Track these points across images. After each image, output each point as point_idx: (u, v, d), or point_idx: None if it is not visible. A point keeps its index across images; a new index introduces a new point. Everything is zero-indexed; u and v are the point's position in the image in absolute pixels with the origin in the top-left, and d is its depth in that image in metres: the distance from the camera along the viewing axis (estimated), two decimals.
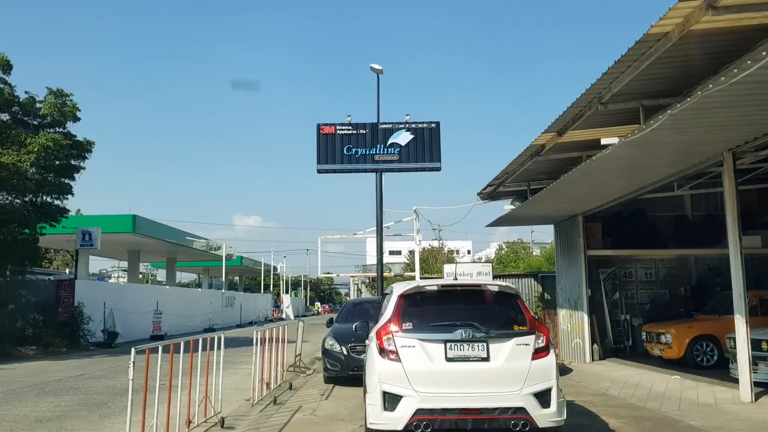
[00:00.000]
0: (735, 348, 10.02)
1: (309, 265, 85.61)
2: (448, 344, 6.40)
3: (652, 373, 12.92)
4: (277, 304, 67.53)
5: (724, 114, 7.94)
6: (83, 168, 23.43)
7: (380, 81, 20.53)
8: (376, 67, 20.36)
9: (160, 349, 6.94)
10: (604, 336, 16.52)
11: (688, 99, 7.22)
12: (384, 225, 22.18)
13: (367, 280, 70.24)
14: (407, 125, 19.69)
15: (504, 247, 56.36)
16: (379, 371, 6.49)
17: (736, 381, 10.07)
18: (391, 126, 19.81)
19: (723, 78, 6.61)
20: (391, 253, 70.09)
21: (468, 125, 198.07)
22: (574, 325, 16.64)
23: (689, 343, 13.39)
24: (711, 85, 6.75)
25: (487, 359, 6.38)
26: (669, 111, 7.60)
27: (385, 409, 6.35)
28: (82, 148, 23.26)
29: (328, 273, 70.14)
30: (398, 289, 7.16)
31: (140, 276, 52.01)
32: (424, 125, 19.78)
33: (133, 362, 6.16)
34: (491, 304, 7.02)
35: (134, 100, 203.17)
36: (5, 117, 21.84)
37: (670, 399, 10.12)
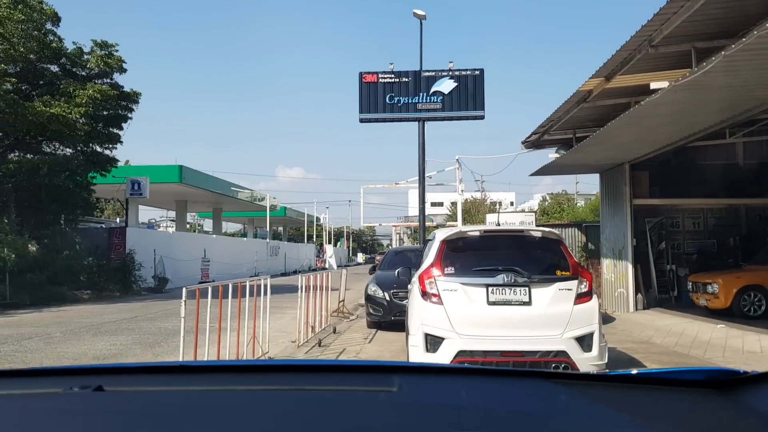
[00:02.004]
0: None
1: (351, 216, 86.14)
2: (490, 288, 6.44)
3: (697, 322, 12.79)
4: (319, 254, 68.47)
5: None
6: (131, 118, 23.98)
7: (423, 27, 20.21)
8: (419, 12, 19.97)
9: (209, 291, 7.18)
10: (648, 286, 16.34)
11: (743, 39, 6.94)
12: (426, 174, 22.13)
13: (409, 231, 70.41)
14: (450, 73, 19.40)
15: (548, 198, 55.60)
16: (421, 314, 6.59)
17: None
18: (434, 74, 19.55)
19: None
20: (433, 204, 70.04)
21: (512, 73, 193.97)
22: (618, 274, 16.51)
23: (737, 293, 13.16)
24: None
25: (528, 303, 6.41)
26: (723, 52, 7.33)
27: (427, 350, 6.45)
28: (130, 99, 23.72)
29: (371, 224, 70.52)
30: (441, 234, 7.20)
31: (187, 225, 53.20)
32: (468, 72, 19.47)
33: (185, 301, 6.41)
34: (534, 250, 7.02)
35: (181, 52, 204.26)
36: (54, 68, 22.33)
37: (714, 347, 10.04)
